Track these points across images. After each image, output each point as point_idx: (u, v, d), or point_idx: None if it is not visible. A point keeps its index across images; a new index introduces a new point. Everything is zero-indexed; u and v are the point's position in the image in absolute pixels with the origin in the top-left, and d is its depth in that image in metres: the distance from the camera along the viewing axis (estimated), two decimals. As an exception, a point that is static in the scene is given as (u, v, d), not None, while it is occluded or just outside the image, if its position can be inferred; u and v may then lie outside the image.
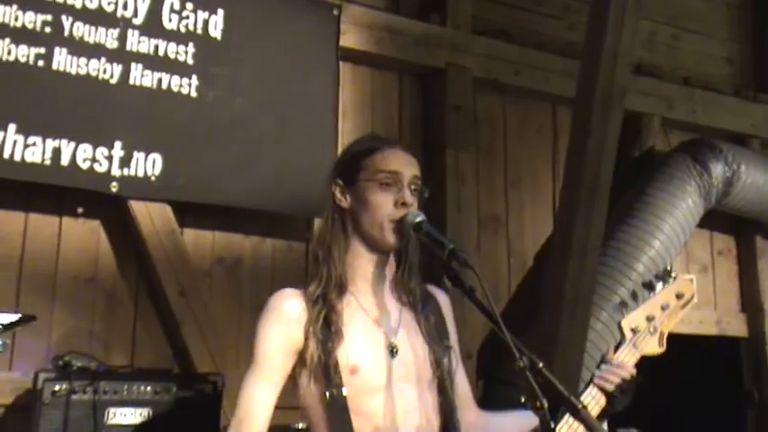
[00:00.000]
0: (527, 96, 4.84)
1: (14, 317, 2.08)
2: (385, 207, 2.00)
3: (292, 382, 2.02)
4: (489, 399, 4.04)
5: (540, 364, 1.67)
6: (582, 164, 3.76)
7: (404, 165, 2.04)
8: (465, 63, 4.52)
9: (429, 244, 1.96)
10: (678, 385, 4.93)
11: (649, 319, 2.08)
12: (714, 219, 5.09)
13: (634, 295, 2.16)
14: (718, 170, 4.70)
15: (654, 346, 2.08)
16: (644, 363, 2.10)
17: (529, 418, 1.84)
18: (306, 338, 1.96)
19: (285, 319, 1.98)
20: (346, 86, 4.25)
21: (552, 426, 1.63)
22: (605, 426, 2.03)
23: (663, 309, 2.10)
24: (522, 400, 1.64)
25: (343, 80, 4.19)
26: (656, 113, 5.13)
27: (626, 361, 2.01)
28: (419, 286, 2.11)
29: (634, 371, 2.00)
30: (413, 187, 2.04)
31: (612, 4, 3.80)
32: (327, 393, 1.92)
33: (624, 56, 3.85)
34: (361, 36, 4.25)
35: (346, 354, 1.94)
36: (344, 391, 1.92)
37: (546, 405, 1.62)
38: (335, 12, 4.12)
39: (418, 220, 1.98)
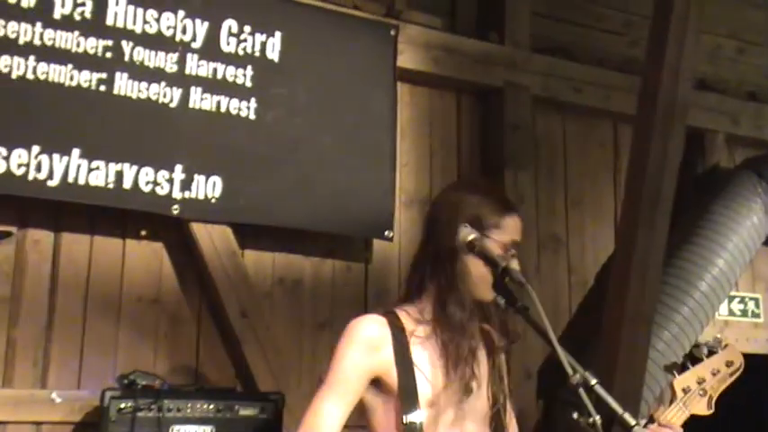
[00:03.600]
0: (587, 114, 4.79)
1: None
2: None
3: (361, 405, 2.05)
4: (549, 418, 4.00)
5: (593, 381, 1.65)
6: (643, 182, 3.69)
7: (519, 235, 2.11)
8: (524, 81, 4.50)
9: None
10: (743, 403, 4.83)
11: (700, 381, 2.19)
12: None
13: (685, 359, 2.28)
14: (784, 186, 4.59)
15: (703, 408, 2.18)
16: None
17: None
18: (387, 365, 1.99)
19: (367, 345, 2.01)
20: (404, 106, 4.26)
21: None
22: None
23: (713, 374, 2.21)
24: (575, 416, 1.62)
25: (400, 100, 4.20)
26: (720, 130, 5.03)
27: (674, 420, 2.10)
28: (501, 325, 2.14)
29: (681, 431, 2.07)
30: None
31: (674, 19, 3.73)
32: (405, 420, 1.95)
33: (686, 71, 3.77)
34: (418, 56, 4.27)
35: (427, 385, 1.98)
36: (420, 417, 1.95)
37: (598, 422, 1.60)
38: (392, 32, 4.14)
39: (471, 237, 2.00)
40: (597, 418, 1.60)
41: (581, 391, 1.64)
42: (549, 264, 4.53)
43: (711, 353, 2.24)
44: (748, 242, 4.48)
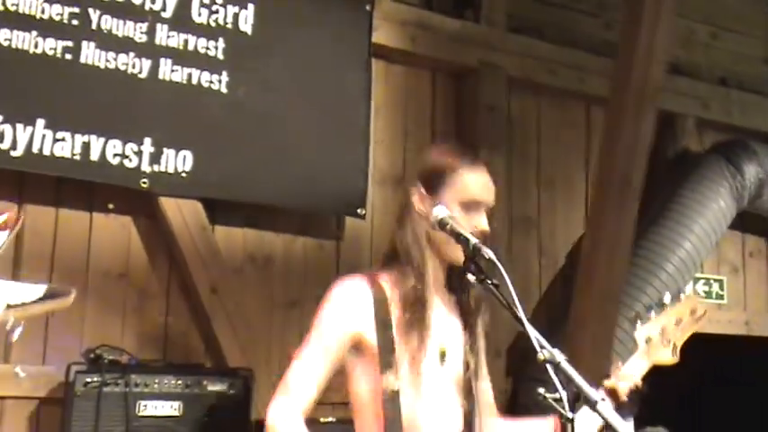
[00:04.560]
0: (561, 96, 4.79)
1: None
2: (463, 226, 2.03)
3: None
4: (517, 396, 4.04)
5: (561, 359, 1.67)
6: (614, 164, 3.73)
7: (487, 193, 2.10)
8: (499, 62, 4.49)
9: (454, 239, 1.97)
10: (707, 384, 4.93)
11: (663, 331, 2.19)
12: (746, 220, 5.07)
13: (648, 309, 2.28)
14: (751, 171, 4.69)
15: (667, 357, 2.19)
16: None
17: (550, 424, 1.99)
18: (367, 327, 2.02)
19: (349, 307, 2.04)
20: (379, 84, 4.22)
21: (570, 417, 1.63)
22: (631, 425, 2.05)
23: (676, 323, 2.21)
24: (542, 392, 1.64)
25: (375, 77, 4.16)
26: (690, 114, 5.08)
27: (635, 371, 2.11)
28: (479, 299, 2.15)
29: (640, 382, 2.08)
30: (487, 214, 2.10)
31: (648, 2, 3.75)
32: (384, 381, 1.98)
33: (659, 55, 3.80)
34: (393, 32, 4.24)
35: (404, 348, 2.00)
36: (398, 382, 1.98)
37: (564, 397, 1.61)
38: (368, 7, 4.10)
39: (441, 216, 2.01)
40: (563, 393, 1.61)
41: (549, 367, 1.65)
42: (520, 245, 4.54)
43: (673, 302, 2.23)
44: (715, 225, 4.57)
